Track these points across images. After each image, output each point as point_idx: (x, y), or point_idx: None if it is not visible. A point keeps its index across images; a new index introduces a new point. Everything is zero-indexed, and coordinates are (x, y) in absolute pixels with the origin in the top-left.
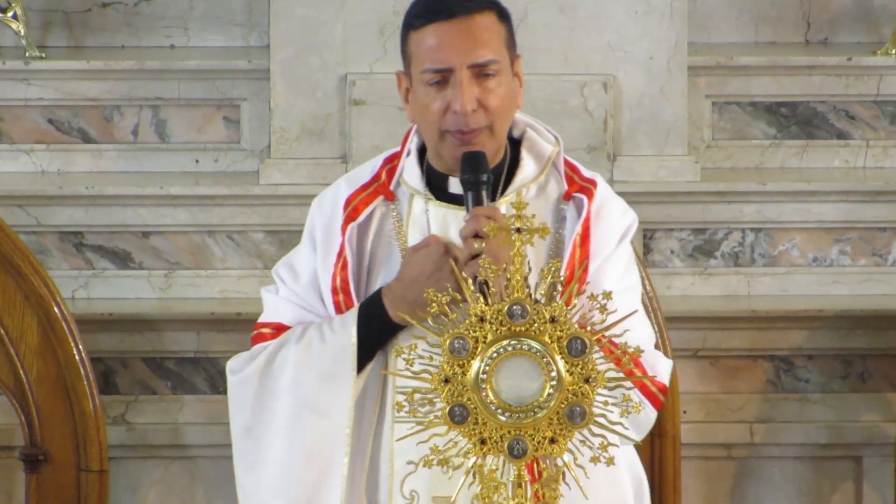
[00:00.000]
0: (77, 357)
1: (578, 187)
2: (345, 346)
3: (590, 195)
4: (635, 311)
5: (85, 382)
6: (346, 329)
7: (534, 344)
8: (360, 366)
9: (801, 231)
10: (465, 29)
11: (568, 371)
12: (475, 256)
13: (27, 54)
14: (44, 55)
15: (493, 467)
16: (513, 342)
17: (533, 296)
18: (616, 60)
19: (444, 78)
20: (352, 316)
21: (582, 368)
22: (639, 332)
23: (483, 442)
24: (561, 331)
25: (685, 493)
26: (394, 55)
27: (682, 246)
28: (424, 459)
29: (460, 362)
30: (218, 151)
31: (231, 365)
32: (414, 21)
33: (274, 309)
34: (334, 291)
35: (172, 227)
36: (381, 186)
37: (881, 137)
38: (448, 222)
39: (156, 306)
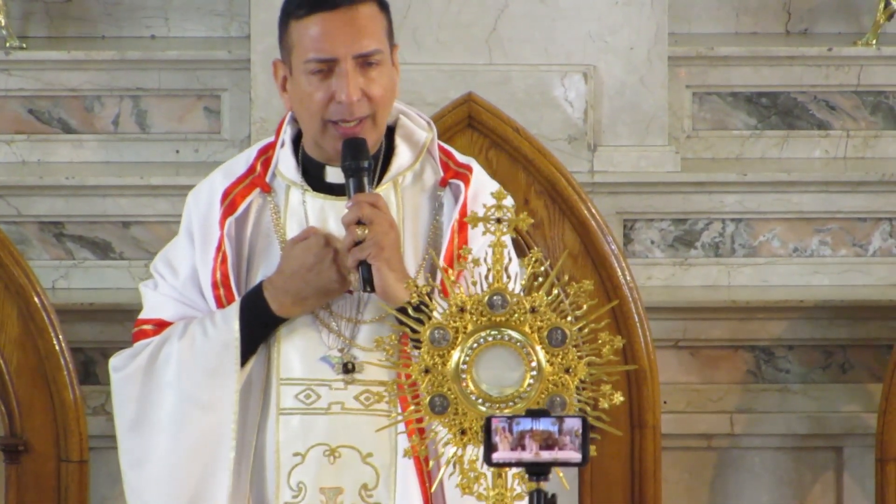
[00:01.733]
0: (57, 347)
1: (454, 173)
2: (227, 342)
3: (466, 180)
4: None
5: (65, 372)
6: (228, 324)
7: (514, 334)
8: (244, 360)
9: (782, 221)
10: (350, 19)
11: (548, 361)
12: (357, 243)
13: (7, 44)
14: (24, 45)
15: (473, 458)
16: (493, 332)
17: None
18: (597, 50)
19: (328, 68)
20: (233, 310)
21: (562, 359)
22: None
23: (463, 432)
24: (541, 321)
25: (665, 484)
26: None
27: (662, 236)
28: (405, 450)
29: (440, 353)
30: (198, 142)
31: (114, 362)
32: (297, 10)
33: (154, 305)
34: (214, 286)
35: (153, 218)
36: (257, 178)
37: (861, 128)
38: (326, 213)
39: (136, 297)
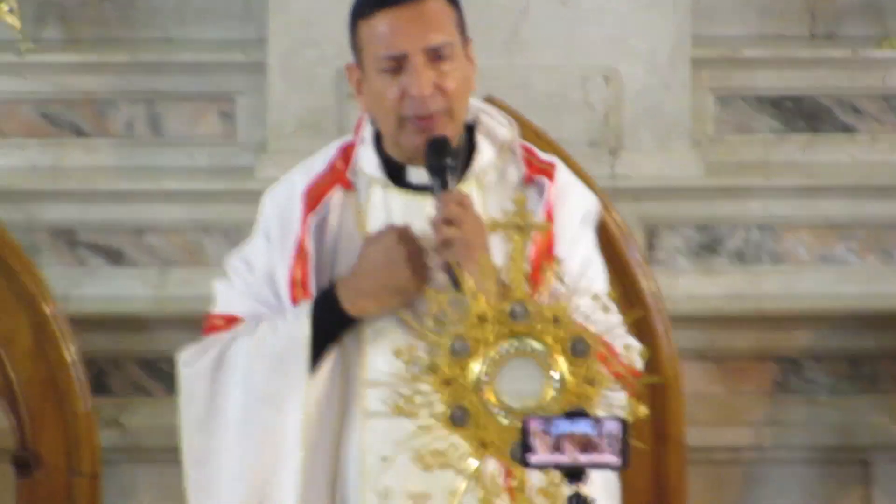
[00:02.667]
0: (69, 358)
1: (538, 169)
2: (297, 338)
3: (550, 176)
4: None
5: (77, 384)
6: (299, 320)
7: (536, 345)
8: (316, 358)
9: (808, 228)
10: (417, 13)
11: (571, 373)
12: (445, 243)
13: (21, 47)
14: (37, 48)
15: (495, 471)
16: (514, 343)
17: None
18: (618, 53)
19: (398, 64)
20: (305, 307)
21: (585, 370)
22: (613, 316)
23: (484, 445)
24: (564, 331)
25: (690, 498)
26: None
27: (686, 243)
28: (422, 461)
29: (461, 364)
30: (213, 146)
31: (183, 358)
32: (363, 10)
33: (227, 300)
34: (293, 285)
35: (167, 224)
36: (339, 175)
37: (888, 131)
38: (411, 211)
39: (150, 305)
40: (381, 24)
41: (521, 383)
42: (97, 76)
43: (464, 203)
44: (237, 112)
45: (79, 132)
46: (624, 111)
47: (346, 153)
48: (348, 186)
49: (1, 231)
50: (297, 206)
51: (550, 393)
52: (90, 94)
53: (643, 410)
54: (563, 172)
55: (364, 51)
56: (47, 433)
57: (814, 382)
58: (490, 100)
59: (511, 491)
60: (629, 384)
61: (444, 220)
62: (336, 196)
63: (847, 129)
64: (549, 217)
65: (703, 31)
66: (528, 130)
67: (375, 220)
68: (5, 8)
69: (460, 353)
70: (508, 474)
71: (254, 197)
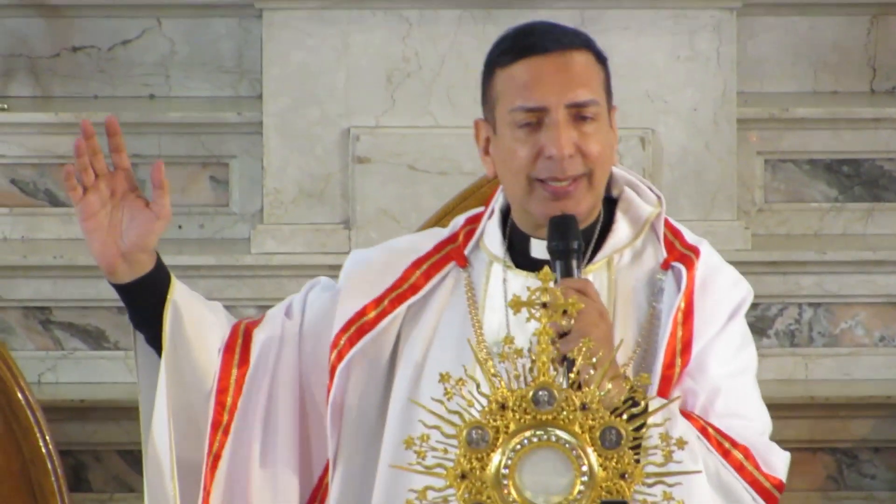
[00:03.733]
0: (44, 450)
1: (679, 255)
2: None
3: (690, 264)
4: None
5: (53, 478)
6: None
7: (562, 434)
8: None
9: (866, 306)
10: (563, 65)
11: (601, 465)
12: (563, 335)
13: None
14: (6, 106)
15: None
16: (538, 432)
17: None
18: (656, 112)
19: (537, 119)
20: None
21: (617, 462)
22: (754, 422)
23: None
24: (593, 419)
25: None
26: (403, 106)
27: None
28: None
29: (479, 455)
30: (204, 216)
31: None
32: (501, 58)
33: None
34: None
35: None
36: (456, 250)
37: None
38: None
39: (132, 392)
40: (521, 74)
41: (545, 476)
42: (73, 137)
43: (586, 290)
44: (231, 178)
45: (53, 201)
46: (662, 176)
47: (472, 226)
48: (462, 263)
49: None
50: (398, 272)
51: (578, 487)
52: (65, 157)
53: None
54: (708, 257)
55: (498, 103)
56: None
57: (872, 477)
58: None
59: None
60: (767, 493)
61: (563, 308)
62: (449, 273)
63: None
64: (689, 309)
65: (750, 87)
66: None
67: (491, 302)
68: None
69: (479, 444)
70: None
71: (248, 272)
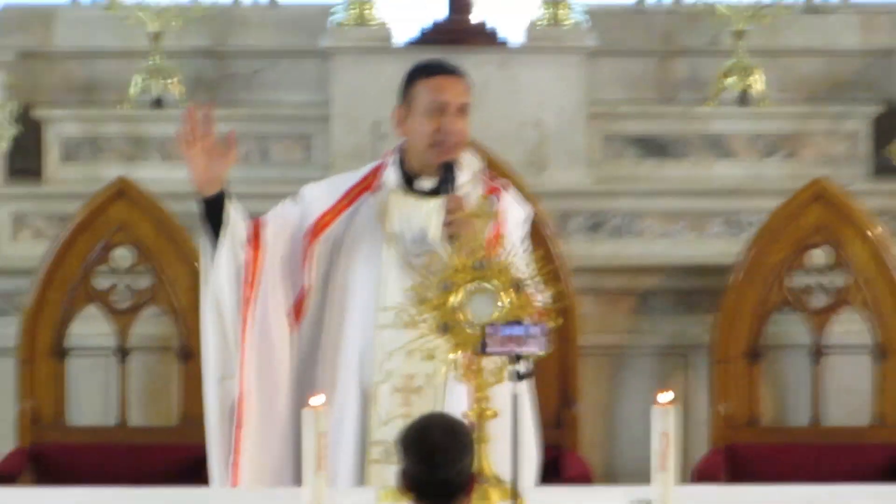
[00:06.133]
0: None
1: (493, 189)
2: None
3: (498, 193)
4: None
5: None
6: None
7: (490, 285)
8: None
9: (655, 216)
10: (457, 83)
11: (511, 302)
12: (449, 224)
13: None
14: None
15: (466, 362)
16: (478, 284)
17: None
18: (544, 109)
19: (441, 110)
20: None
21: (520, 300)
22: (530, 271)
23: (458, 345)
24: (507, 278)
25: (581, 379)
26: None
27: (582, 225)
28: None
29: (445, 296)
30: (296, 166)
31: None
32: (427, 71)
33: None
34: (313, 233)
35: None
36: (370, 183)
37: (719, 156)
38: (416, 208)
39: None
40: (437, 82)
41: (481, 308)
42: (223, 123)
43: (460, 199)
44: (312, 146)
45: None
46: (547, 145)
47: (377, 169)
48: (373, 191)
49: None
50: (336, 195)
51: (499, 313)
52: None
53: (555, 322)
54: (509, 191)
55: (417, 98)
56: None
57: (657, 308)
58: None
59: (473, 373)
60: (539, 312)
61: (450, 209)
62: (365, 197)
63: (678, 155)
64: (502, 217)
65: (596, 95)
66: (489, 156)
67: (391, 215)
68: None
69: (445, 290)
70: (471, 363)
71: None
